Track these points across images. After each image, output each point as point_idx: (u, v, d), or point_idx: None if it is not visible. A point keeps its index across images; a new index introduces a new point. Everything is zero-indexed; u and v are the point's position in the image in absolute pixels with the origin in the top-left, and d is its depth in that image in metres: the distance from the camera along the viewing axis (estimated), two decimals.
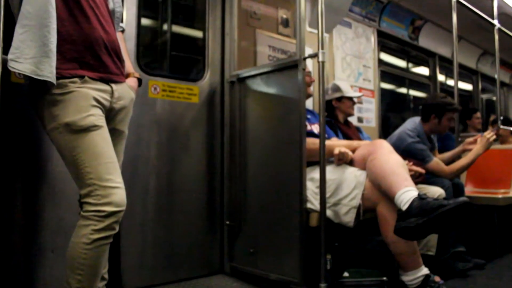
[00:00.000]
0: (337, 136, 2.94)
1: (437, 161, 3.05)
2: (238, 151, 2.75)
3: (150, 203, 2.53)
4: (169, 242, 2.59)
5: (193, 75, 2.90)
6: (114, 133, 1.74)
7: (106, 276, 1.79)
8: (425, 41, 5.01)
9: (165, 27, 2.94)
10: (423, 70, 5.36)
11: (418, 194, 2.05)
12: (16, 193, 2.03)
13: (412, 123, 3.20)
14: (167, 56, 2.91)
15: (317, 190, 2.29)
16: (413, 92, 5.37)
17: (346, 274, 2.38)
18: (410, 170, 2.44)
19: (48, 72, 1.50)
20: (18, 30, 1.49)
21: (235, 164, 2.76)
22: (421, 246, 2.58)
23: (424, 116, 3.19)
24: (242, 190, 2.71)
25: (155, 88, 2.59)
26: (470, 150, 3.15)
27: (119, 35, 1.87)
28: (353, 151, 2.52)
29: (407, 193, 2.08)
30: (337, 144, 2.55)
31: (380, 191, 2.28)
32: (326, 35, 2.43)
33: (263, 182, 2.59)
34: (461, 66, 4.71)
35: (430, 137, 3.29)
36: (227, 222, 2.78)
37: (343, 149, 2.46)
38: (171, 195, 2.63)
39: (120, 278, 2.35)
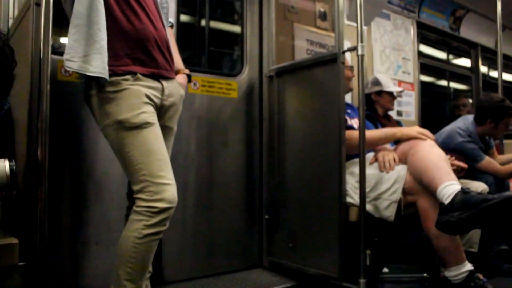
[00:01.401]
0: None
1: (489, 160, 2.99)
2: (277, 146, 2.75)
3: (190, 197, 2.58)
4: (208, 236, 2.63)
5: (232, 70, 2.92)
6: (164, 130, 1.76)
7: (151, 268, 1.82)
8: (466, 32, 4.86)
9: (203, 23, 2.96)
10: (465, 62, 5.20)
11: (461, 188, 2.01)
12: (63, 189, 2.11)
13: (464, 121, 3.12)
14: (206, 51, 2.93)
15: (357, 185, 2.27)
16: (454, 85, 5.23)
17: (385, 269, 2.36)
18: (452, 165, 2.39)
19: (101, 68, 1.54)
20: (71, 31, 1.55)
21: (274, 159, 2.77)
22: (463, 242, 2.53)
23: (479, 119, 3.11)
24: (281, 184, 2.71)
25: (194, 84, 2.62)
26: None
27: (168, 31, 1.87)
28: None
29: (449, 186, 2.05)
30: (376, 136, 2.54)
31: (422, 185, 2.25)
32: (364, 27, 2.40)
33: (302, 177, 2.58)
34: (505, 56, 4.55)
35: (484, 137, 3.20)
36: (266, 217, 2.79)
37: (388, 157, 2.44)
38: (210, 189, 2.66)
39: (161, 271, 2.40)
